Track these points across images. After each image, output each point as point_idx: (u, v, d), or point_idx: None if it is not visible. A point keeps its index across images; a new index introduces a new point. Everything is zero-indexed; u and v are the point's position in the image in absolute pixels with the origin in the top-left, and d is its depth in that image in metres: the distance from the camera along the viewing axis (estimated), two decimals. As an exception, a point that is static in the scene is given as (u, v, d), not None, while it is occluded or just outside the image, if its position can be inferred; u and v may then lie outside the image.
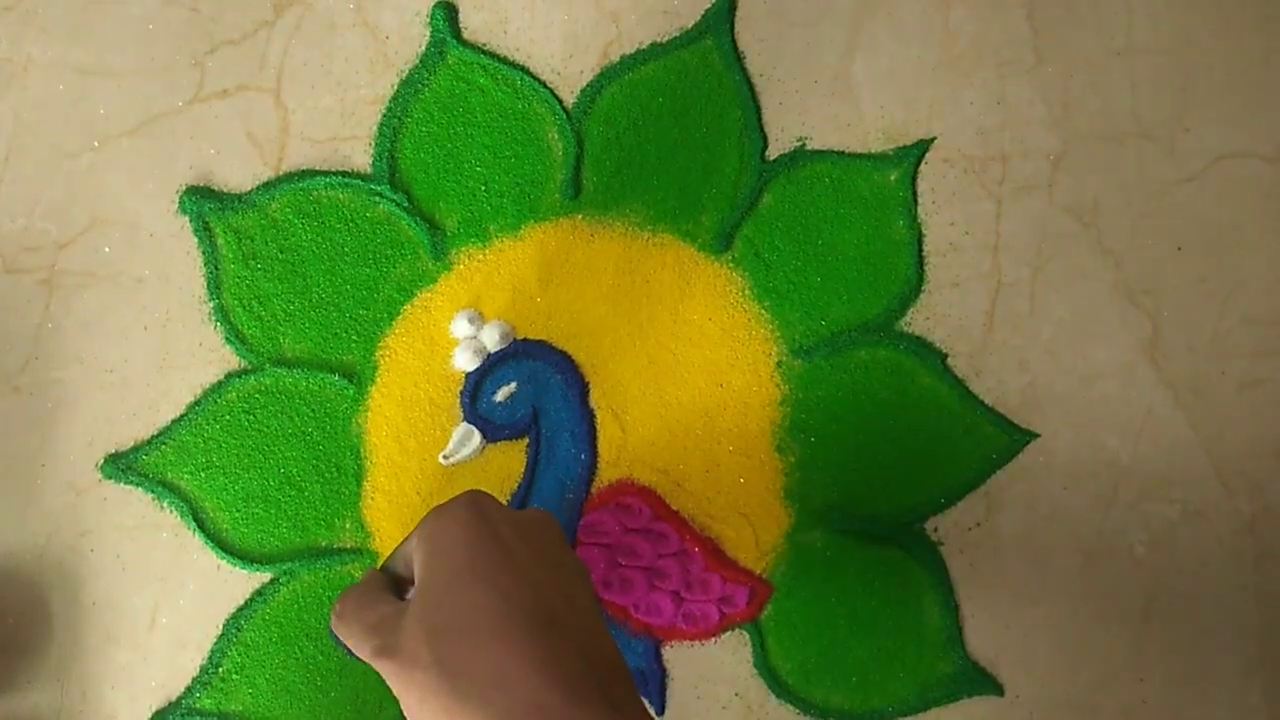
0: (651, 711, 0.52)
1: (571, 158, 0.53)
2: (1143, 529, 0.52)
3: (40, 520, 0.52)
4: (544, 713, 0.32)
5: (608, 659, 0.35)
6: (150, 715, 0.52)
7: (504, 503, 0.52)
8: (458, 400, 0.52)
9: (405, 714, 0.35)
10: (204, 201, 0.52)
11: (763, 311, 0.53)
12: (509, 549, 0.36)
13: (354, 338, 0.52)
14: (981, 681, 0.52)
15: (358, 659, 0.42)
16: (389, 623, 0.36)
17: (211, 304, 0.52)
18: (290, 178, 0.53)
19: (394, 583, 0.40)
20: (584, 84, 0.53)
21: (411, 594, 0.39)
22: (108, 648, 0.52)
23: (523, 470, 0.52)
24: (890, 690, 0.52)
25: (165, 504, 0.52)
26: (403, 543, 0.40)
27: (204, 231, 0.52)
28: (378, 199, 0.53)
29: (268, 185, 0.53)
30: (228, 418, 0.52)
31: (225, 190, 0.53)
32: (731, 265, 0.53)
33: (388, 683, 0.36)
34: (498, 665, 0.33)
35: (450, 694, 0.33)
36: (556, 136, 0.53)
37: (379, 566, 0.42)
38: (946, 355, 0.53)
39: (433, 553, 0.36)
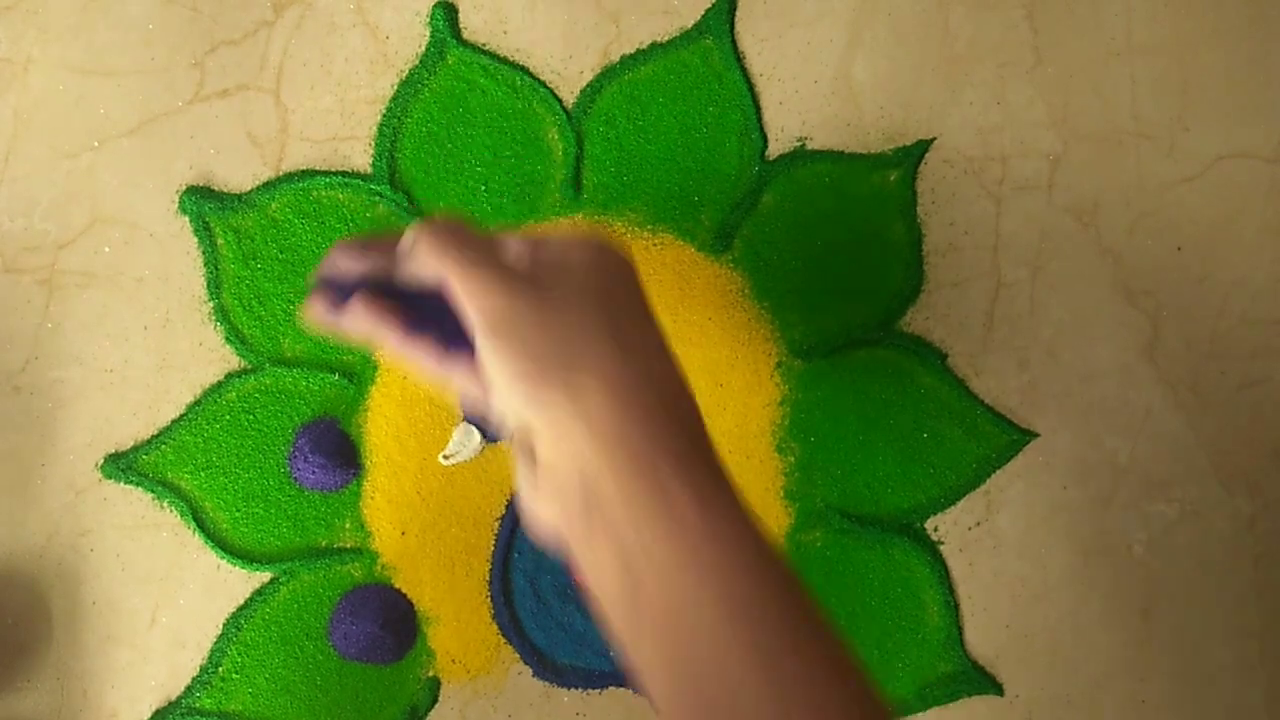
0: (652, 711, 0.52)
1: (571, 157, 0.53)
2: (1142, 528, 0.52)
3: (40, 520, 0.52)
4: (683, 389, 0.34)
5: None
6: (150, 715, 0.52)
7: (503, 503, 0.52)
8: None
9: (501, 341, 0.33)
10: (204, 201, 0.52)
11: (763, 311, 0.53)
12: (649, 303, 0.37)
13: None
14: (981, 681, 0.52)
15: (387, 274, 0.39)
16: (515, 258, 0.35)
17: (211, 304, 0.52)
18: (290, 178, 0.53)
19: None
20: (584, 84, 0.53)
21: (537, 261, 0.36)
22: (108, 647, 0.52)
23: (523, 470, 0.52)
24: (890, 689, 0.52)
25: (165, 503, 0.52)
26: (515, 236, 0.38)
27: (204, 231, 0.52)
28: (378, 199, 0.53)
29: (268, 185, 0.53)
30: (228, 417, 0.52)
31: (225, 190, 0.53)
32: (731, 265, 0.53)
33: (478, 290, 0.34)
34: (664, 363, 0.35)
35: (621, 362, 0.33)
36: (556, 136, 0.53)
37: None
38: (946, 355, 0.53)
39: (604, 261, 0.36)
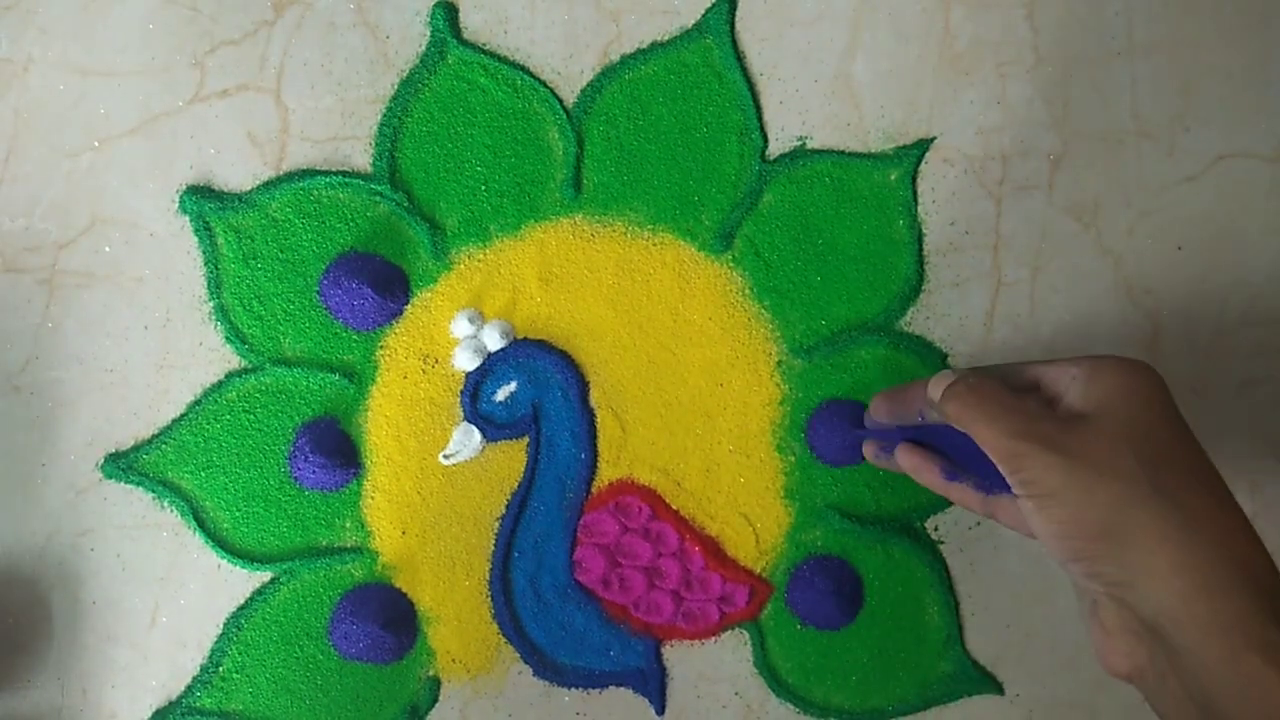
0: (652, 711, 0.52)
1: (572, 157, 0.53)
2: (1142, 528, 0.52)
3: (40, 520, 0.52)
4: (1248, 540, 0.33)
5: None
6: (150, 714, 0.52)
7: (503, 503, 0.52)
8: (458, 400, 0.52)
9: (1046, 514, 0.35)
10: (204, 201, 0.52)
11: (763, 311, 0.53)
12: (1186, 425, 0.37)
13: (354, 337, 0.52)
14: (981, 680, 0.52)
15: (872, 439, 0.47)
16: (1044, 420, 0.36)
17: (212, 303, 0.52)
18: (290, 177, 0.53)
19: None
20: (584, 83, 0.53)
21: (1068, 409, 0.37)
22: (108, 647, 0.52)
23: (523, 470, 0.52)
24: (890, 689, 0.52)
25: (165, 503, 0.52)
26: (1029, 364, 0.40)
27: (204, 231, 0.52)
28: (378, 199, 0.53)
29: (268, 185, 0.53)
30: (228, 417, 0.52)
31: (225, 190, 0.53)
32: (732, 265, 0.53)
33: (1016, 466, 0.36)
34: (1226, 514, 0.34)
35: (1175, 523, 0.33)
36: (557, 136, 0.53)
37: (983, 370, 0.41)
38: (947, 355, 0.53)
39: (1134, 388, 0.36)
